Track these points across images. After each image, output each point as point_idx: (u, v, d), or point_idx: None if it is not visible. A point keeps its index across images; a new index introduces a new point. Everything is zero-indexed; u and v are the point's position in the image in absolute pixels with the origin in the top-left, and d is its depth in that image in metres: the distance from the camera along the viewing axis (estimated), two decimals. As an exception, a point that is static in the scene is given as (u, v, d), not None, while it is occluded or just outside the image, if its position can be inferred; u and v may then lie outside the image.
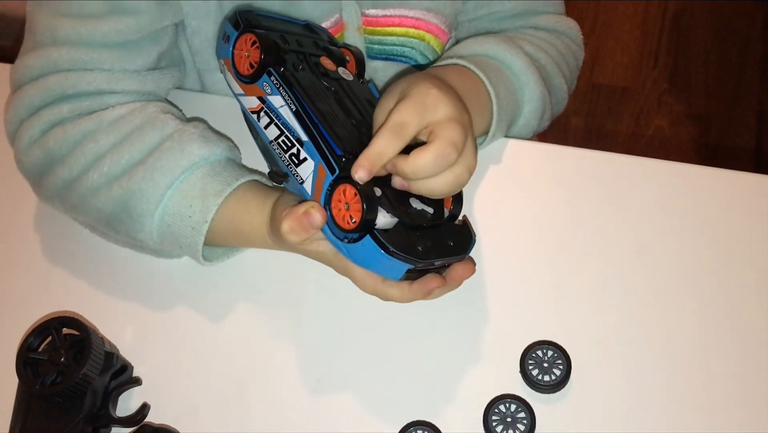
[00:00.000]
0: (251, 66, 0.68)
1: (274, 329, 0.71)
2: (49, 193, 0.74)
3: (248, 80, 0.68)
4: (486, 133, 0.78)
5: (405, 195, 0.64)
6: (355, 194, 0.61)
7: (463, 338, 0.70)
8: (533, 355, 0.68)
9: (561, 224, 0.76)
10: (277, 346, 0.70)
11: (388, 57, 0.85)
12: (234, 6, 0.78)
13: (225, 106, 0.76)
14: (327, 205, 0.63)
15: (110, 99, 0.74)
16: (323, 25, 0.80)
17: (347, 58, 0.74)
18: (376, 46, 0.84)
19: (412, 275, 0.64)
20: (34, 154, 0.73)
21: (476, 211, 0.77)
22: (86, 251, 0.76)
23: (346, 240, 0.62)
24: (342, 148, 0.63)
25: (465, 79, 0.75)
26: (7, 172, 0.76)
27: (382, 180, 0.63)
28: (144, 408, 0.67)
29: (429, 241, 0.63)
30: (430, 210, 0.65)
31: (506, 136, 0.81)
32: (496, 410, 0.65)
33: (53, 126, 0.72)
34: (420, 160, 0.61)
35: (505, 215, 0.77)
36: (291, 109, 0.65)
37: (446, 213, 0.67)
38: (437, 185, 0.63)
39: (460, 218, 0.68)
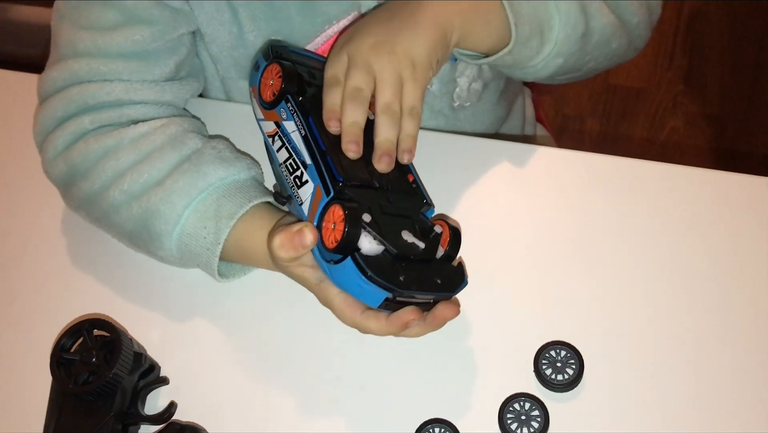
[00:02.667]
0: (273, 94, 0.70)
1: (295, 329, 0.73)
2: (74, 204, 0.77)
3: (268, 106, 0.70)
4: (507, 37, 0.72)
5: (398, 227, 0.65)
6: (342, 214, 0.62)
7: (478, 339, 0.72)
8: (547, 355, 0.69)
9: (575, 227, 0.77)
10: (298, 345, 0.72)
11: None
12: (251, 15, 0.79)
13: (249, 114, 0.78)
14: (319, 226, 0.64)
15: (130, 110, 0.76)
16: (342, 22, 0.81)
17: None
18: None
19: (391, 306, 0.64)
20: (59, 167, 0.75)
21: (491, 213, 0.78)
22: (116, 256, 0.78)
23: (330, 261, 0.63)
24: (343, 174, 0.64)
25: None
26: (40, 178, 0.78)
27: (378, 209, 0.64)
28: (171, 406, 0.69)
29: (413, 273, 0.63)
30: (422, 245, 0.65)
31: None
32: (511, 408, 0.67)
33: (76, 139, 0.75)
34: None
35: (520, 218, 0.78)
36: (300, 134, 0.67)
37: (441, 253, 0.66)
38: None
39: (458, 259, 0.68)
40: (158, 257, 0.75)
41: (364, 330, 0.66)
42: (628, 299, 0.73)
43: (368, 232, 0.62)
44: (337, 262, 0.62)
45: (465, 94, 0.88)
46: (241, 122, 0.81)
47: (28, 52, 1.42)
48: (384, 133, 0.66)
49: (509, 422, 0.67)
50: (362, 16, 0.79)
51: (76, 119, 0.75)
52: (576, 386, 0.69)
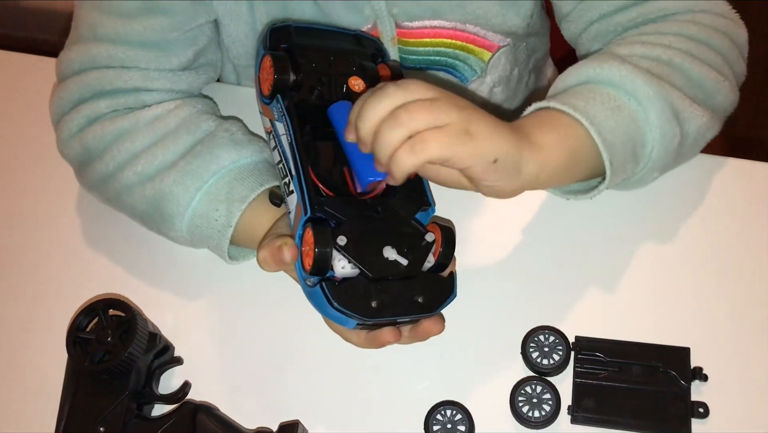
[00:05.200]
0: (269, 88, 0.68)
1: (309, 311, 0.72)
2: (88, 184, 0.78)
3: (267, 101, 0.69)
4: (602, 172, 0.67)
5: (379, 244, 0.62)
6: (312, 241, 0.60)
7: (492, 322, 0.72)
8: (535, 338, 0.70)
9: (586, 213, 0.77)
10: (312, 327, 0.72)
11: (422, 66, 0.85)
12: (267, 12, 0.79)
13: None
14: (299, 243, 0.63)
15: (145, 96, 0.76)
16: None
17: (382, 76, 0.71)
18: (410, 57, 0.84)
19: (368, 327, 0.63)
20: (74, 148, 0.76)
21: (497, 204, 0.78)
22: (131, 238, 0.79)
23: (307, 282, 0.63)
24: (317, 203, 0.62)
25: (545, 121, 0.65)
26: (56, 159, 0.79)
27: (361, 224, 0.63)
28: (185, 386, 0.70)
29: (389, 296, 0.61)
30: (404, 261, 0.62)
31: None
32: (523, 391, 0.68)
33: (91, 121, 0.75)
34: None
35: (531, 202, 0.78)
36: (287, 140, 0.66)
37: (431, 263, 0.64)
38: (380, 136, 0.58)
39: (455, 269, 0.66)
40: (169, 237, 0.75)
41: (346, 340, 0.67)
42: (638, 286, 0.73)
43: (343, 255, 0.61)
44: (312, 285, 0.62)
45: None
46: (253, 106, 0.80)
47: (42, 38, 1.43)
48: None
49: (521, 404, 0.67)
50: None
51: (92, 102, 0.76)
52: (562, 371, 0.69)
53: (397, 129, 0.57)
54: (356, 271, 0.62)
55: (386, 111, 0.58)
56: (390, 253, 0.62)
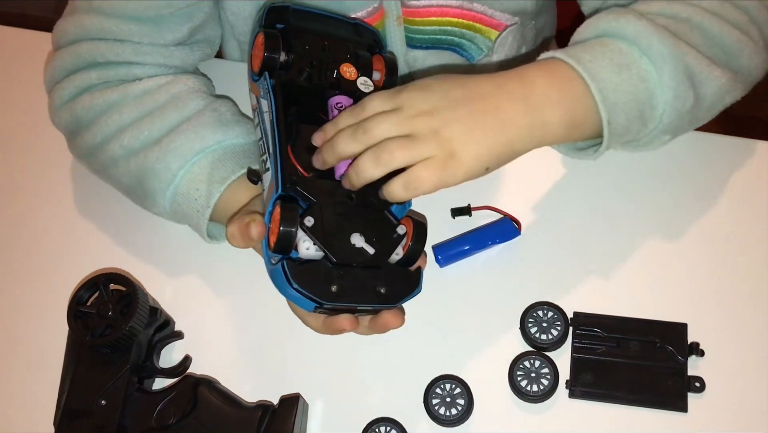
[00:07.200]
0: (258, 65, 0.67)
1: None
2: (77, 154, 0.78)
3: (255, 78, 0.69)
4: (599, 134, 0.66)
5: (348, 230, 0.62)
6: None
7: (490, 297, 0.73)
8: (533, 315, 0.71)
9: (580, 192, 0.77)
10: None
11: (428, 46, 0.85)
12: None
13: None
14: (269, 220, 0.62)
15: (137, 69, 0.76)
16: (361, 13, 0.80)
17: (376, 67, 0.70)
18: (416, 36, 0.84)
19: (327, 311, 0.63)
20: (64, 117, 0.76)
21: (495, 182, 0.79)
22: (130, 213, 0.79)
23: (271, 260, 0.63)
24: (293, 177, 0.62)
25: (549, 75, 0.65)
26: (54, 134, 0.79)
27: (332, 208, 0.62)
28: (186, 360, 0.70)
29: (351, 282, 0.61)
30: (371, 250, 0.62)
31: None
32: (521, 366, 0.68)
33: (81, 91, 0.75)
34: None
35: (527, 182, 0.78)
36: (269, 117, 0.65)
37: (399, 256, 0.63)
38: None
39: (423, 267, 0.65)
40: (154, 213, 0.76)
41: (305, 323, 0.67)
42: (636, 263, 0.74)
43: (309, 237, 0.61)
44: (275, 263, 0.61)
45: None
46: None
47: (35, 15, 1.41)
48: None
49: (519, 379, 0.68)
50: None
51: (83, 73, 0.76)
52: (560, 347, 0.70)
53: (379, 168, 0.61)
54: (320, 254, 0.61)
55: (355, 152, 0.62)
56: (357, 240, 0.62)
